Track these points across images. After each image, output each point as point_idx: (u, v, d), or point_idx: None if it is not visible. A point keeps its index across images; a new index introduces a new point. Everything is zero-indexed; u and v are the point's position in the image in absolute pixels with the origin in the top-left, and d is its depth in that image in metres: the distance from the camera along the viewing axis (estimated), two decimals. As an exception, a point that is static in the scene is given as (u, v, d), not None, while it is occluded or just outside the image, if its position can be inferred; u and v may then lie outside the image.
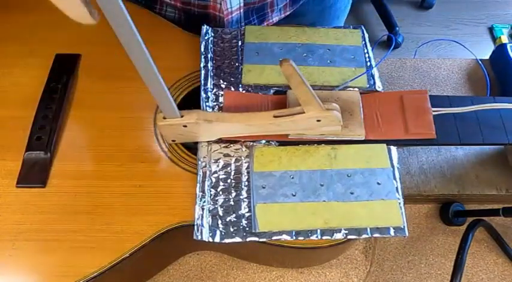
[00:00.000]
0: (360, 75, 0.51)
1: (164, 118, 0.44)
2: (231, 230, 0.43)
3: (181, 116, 0.44)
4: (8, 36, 0.55)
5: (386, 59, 0.73)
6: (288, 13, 0.66)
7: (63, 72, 0.52)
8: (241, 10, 0.59)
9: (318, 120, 0.44)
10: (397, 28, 1.72)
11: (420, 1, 1.87)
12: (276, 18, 0.66)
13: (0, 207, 0.44)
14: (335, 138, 0.47)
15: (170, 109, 0.42)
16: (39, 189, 0.45)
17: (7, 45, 0.54)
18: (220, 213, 0.43)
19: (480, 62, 0.74)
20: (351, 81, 0.51)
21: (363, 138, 0.47)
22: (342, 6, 0.75)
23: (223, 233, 0.42)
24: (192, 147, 0.48)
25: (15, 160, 0.46)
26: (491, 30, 1.81)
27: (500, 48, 0.72)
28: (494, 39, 1.77)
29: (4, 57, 0.53)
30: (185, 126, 0.44)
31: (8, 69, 0.52)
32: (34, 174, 0.45)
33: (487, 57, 0.75)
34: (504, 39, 0.75)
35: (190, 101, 0.51)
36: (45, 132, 0.47)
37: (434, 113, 0.48)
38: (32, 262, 0.42)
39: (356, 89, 0.51)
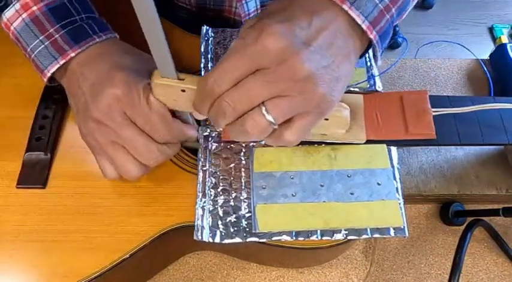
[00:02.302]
0: (362, 81, 0.51)
1: (162, 77, 0.39)
2: (231, 230, 0.43)
3: (182, 79, 0.38)
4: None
5: (387, 60, 0.73)
6: None
7: (63, 72, 0.51)
8: (258, 11, 0.58)
9: (326, 119, 0.42)
10: (397, 28, 1.72)
11: (420, 1, 1.87)
12: None
13: (0, 208, 0.44)
14: (336, 141, 0.47)
15: (167, 65, 0.37)
16: (39, 190, 0.45)
17: (7, 45, 0.54)
18: (221, 213, 0.43)
19: (481, 61, 0.74)
20: (355, 85, 0.50)
21: (363, 142, 0.47)
22: None
23: (223, 234, 0.42)
24: (192, 148, 0.48)
25: (15, 161, 0.46)
26: (491, 30, 1.81)
27: (500, 48, 0.72)
28: (494, 39, 1.77)
29: (4, 56, 0.53)
30: (183, 90, 0.39)
31: (8, 68, 0.52)
32: (34, 175, 0.45)
33: (487, 57, 0.75)
34: (504, 39, 0.75)
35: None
36: (45, 132, 0.47)
37: (434, 113, 0.48)
38: (32, 263, 0.42)
39: (357, 89, 0.51)
